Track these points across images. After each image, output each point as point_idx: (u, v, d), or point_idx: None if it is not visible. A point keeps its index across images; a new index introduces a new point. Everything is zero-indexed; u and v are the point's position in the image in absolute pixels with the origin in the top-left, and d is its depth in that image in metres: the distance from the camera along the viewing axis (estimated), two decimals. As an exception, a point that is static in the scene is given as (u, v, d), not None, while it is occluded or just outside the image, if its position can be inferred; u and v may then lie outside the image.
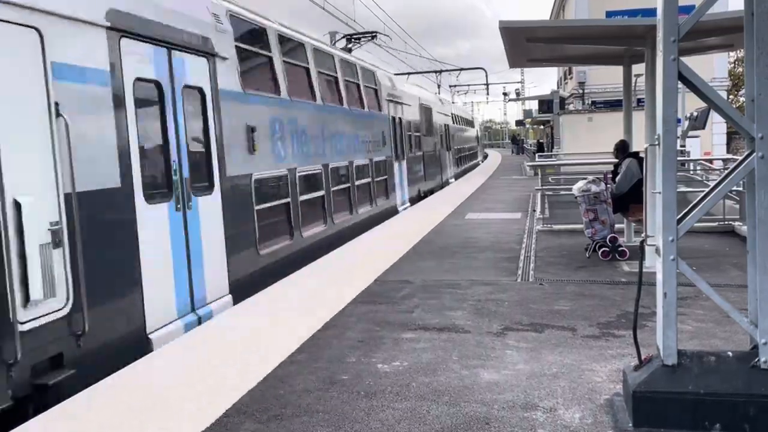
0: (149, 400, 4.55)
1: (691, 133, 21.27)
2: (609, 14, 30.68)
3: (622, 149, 9.91)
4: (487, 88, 55.20)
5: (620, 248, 9.04)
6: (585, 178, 9.51)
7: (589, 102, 36.53)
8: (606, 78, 32.33)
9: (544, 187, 13.99)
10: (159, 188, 6.85)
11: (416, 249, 10.36)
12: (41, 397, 4.95)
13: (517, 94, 71.79)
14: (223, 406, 4.38)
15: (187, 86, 7.46)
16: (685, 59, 3.91)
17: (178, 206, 7.10)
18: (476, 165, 41.20)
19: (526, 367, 4.95)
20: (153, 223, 6.61)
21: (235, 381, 4.83)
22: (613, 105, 29.96)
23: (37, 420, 4.30)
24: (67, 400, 4.61)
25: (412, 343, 5.60)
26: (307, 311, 6.76)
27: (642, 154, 8.15)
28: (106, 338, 5.78)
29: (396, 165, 17.89)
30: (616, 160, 10.01)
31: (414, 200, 19.50)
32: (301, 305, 7.05)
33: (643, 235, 4.91)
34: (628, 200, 9.26)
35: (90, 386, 4.83)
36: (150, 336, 6.36)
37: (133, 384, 4.89)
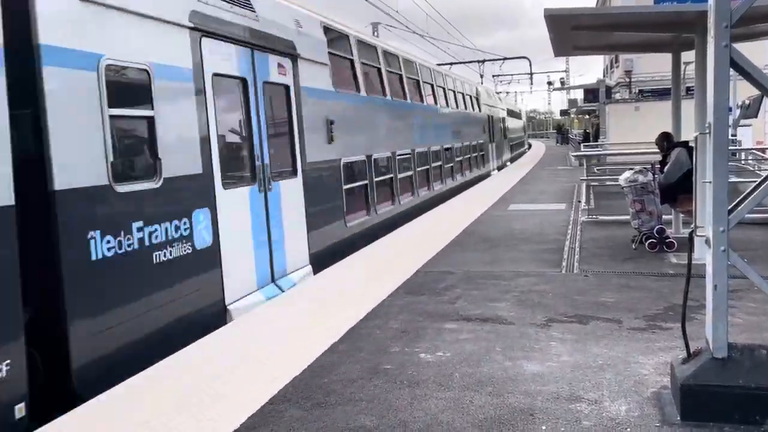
0: (198, 386, 4.64)
1: (742, 121, 20.70)
2: (657, 0, 29.96)
3: (667, 140, 9.71)
4: (531, 78, 54.58)
5: (668, 240, 8.86)
6: (632, 169, 9.34)
7: (636, 91, 35.83)
8: (654, 66, 31.62)
9: (589, 178, 13.79)
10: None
11: (458, 240, 10.32)
12: None
13: (562, 83, 70.68)
14: (268, 394, 4.44)
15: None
16: (737, 46, 3.81)
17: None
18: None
19: (571, 358, 4.90)
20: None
21: (280, 369, 4.90)
22: (661, 94, 29.30)
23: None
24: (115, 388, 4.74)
25: (455, 334, 5.59)
26: (350, 302, 6.80)
27: (692, 144, 7.96)
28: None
29: (526, 136, 57.41)
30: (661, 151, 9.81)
31: (529, 146, 55.89)
32: (343, 296, 7.10)
33: (692, 226, 4.80)
34: (677, 191, 9.06)
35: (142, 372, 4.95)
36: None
37: (182, 371, 4.99)
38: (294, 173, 9.12)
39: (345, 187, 11.04)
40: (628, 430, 3.73)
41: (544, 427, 3.81)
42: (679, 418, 3.82)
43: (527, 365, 4.80)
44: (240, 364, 5.08)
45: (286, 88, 9.07)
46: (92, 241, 5.25)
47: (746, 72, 3.83)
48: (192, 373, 4.91)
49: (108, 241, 5.42)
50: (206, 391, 4.54)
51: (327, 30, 10.96)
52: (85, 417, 4.24)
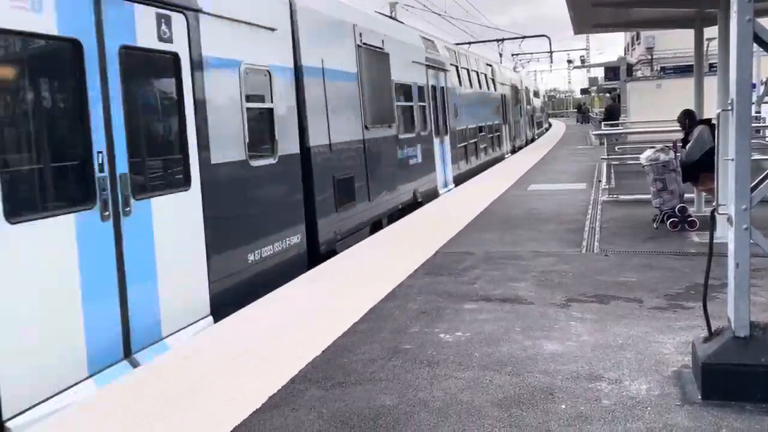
0: (220, 366, 4.70)
1: (766, 98, 20.33)
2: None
3: (689, 118, 9.58)
4: (551, 56, 54.06)
5: (690, 218, 8.77)
6: (653, 147, 9.24)
7: (658, 68, 35.33)
8: (676, 43, 31.12)
9: (609, 157, 13.66)
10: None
11: (478, 220, 10.30)
12: None
13: (582, 61, 69.83)
14: (289, 374, 4.49)
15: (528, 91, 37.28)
16: (762, 20, 3.74)
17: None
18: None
19: (591, 338, 4.89)
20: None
21: (301, 349, 4.94)
22: (683, 71, 28.85)
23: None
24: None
25: (475, 314, 5.60)
26: (370, 282, 6.83)
27: (714, 121, 7.85)
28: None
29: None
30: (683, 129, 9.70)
31: (549, 125, 56.82)
32: (363, 277, 7.13)
33: (714, 204, 4.76)
34: (699, 169, 8.95)
35: (158, 358, 5.02)
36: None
37: (204, 351, 5.06)
38: (506, 122, 25.95)
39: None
40: (649, 409, 3.73)
41: (563, 406, 3.82)
42: (700, 397, 3.80)
43: (547, 345, 4.80)
44: (260, 344, 5.13)
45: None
46: None
47: (770, 47, 3.76)
48: (213, 354, 4.97)
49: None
50: (227, 371, 4.60)
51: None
52: (122, 388, 4.32)
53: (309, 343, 5.06)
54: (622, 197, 11.78)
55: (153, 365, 4.81)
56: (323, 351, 4.89)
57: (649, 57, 36.27)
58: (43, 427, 3.94)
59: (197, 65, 6.34)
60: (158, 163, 6.01)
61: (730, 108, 3.78)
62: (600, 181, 13.88)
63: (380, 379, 4.33)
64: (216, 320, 6.15)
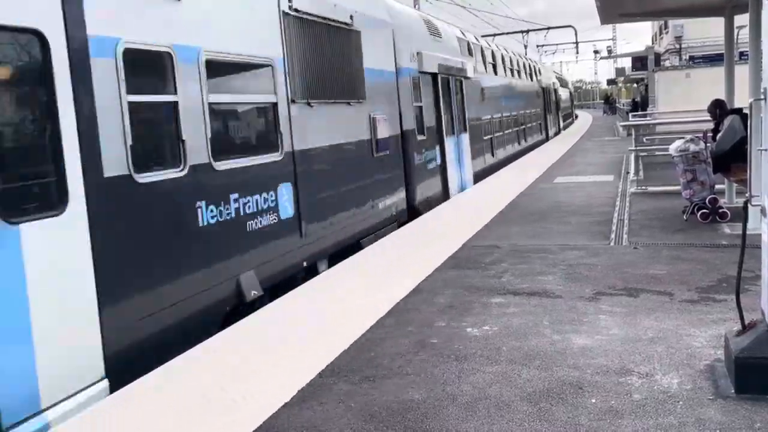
0: (250, 360, 4.74)
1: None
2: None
3: (720, 108, 9.42)
4: (577, 47, 53.59)
5: (721, 210, 8.63)
6: (683, 138, 9.11)
7: (687, 57, 34.80)
8: (705, 32, 30.60)
9: (638, 148, 13.49)
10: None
11: (504, 214, 10.24)
12: None
13: (609, 51, 69.01)
14: (317, 368, 4.50)
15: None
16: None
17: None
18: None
19: (621, 332, 4.84)
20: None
21: (328, 343, 4.96)
22: (712, 60, 28.37)
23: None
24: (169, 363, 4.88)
25: (502, 308, 5.57)
26: (395, 277, 6.83)
27: (746, 111, 7.70)
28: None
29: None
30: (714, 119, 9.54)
31: (576, 116, 58.26)
32: (388, 271, 7.13)
33: (746, 195, 4.67)
34: (730, 159, 8.79)
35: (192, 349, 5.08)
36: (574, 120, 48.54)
37: (237, 344, 5.10)
38: (573, 105, 55.01)
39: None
40: (681, 403, 3.68)
41: (593, 400, 3.78)
42: (733, 392, 3.74)
43: (576, 339, 4.76)
44: (288, 339, 5.16)
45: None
46: None
47: (804, 34, 3.68)
48: (242, 349, 5.01)
49: None
50: (257, 366, 4.63)
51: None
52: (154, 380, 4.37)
53: (336, 337, 5.07)
54: (650, 189, 11.63)
55: (183, 359, 4.86)
56: (351, 345, 4.90)
57: (678, 46, 35.71)
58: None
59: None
60: None
61: (763, 97, 3.71)
62: (628, 172, 13.72)
63: (408, 373, 4.33)
64: None
